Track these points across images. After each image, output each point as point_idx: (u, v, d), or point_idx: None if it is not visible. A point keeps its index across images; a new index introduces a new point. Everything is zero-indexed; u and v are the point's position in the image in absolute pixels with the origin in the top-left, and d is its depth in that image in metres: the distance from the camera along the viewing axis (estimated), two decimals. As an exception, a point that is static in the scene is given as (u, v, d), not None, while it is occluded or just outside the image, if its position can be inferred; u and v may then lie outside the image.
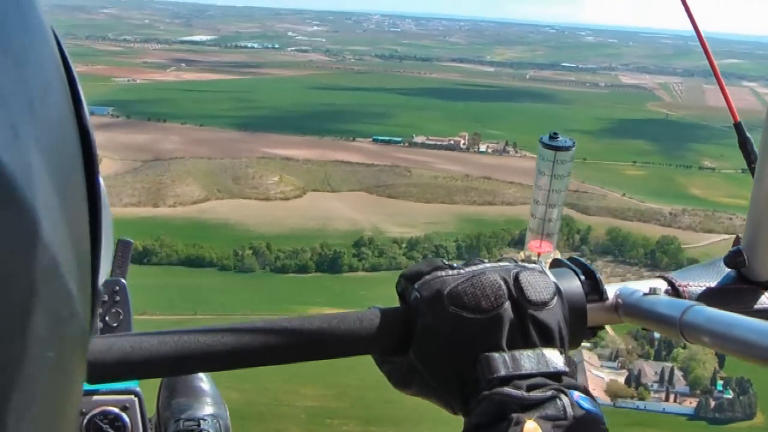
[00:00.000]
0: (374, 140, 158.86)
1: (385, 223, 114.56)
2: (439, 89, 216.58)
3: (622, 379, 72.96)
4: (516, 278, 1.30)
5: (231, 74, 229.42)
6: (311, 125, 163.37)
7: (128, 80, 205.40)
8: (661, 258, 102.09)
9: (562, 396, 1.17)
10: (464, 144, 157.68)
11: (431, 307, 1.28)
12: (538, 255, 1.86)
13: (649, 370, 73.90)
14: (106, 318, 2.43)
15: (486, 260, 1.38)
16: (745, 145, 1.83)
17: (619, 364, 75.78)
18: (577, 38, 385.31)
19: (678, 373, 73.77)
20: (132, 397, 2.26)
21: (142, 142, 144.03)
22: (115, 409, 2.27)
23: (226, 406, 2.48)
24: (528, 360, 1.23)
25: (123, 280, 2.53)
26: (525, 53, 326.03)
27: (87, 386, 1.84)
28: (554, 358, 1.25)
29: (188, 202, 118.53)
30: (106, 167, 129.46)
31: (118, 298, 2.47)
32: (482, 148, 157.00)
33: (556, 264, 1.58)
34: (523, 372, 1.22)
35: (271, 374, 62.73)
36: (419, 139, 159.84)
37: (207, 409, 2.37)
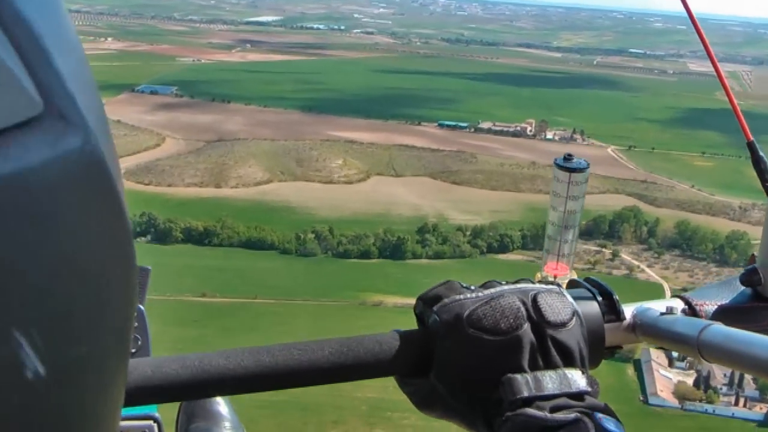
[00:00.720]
0: (440, 125, 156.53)
1: (449, 209, 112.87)
2: (505, 75, 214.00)
3: (690, 381, 70.34)
4: (534, 300, 1.32)
5: (296, 55, 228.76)
6: (376, 108, 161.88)
7: (193, 60, 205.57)
8: (730, 254, 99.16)
9: (586, 418, 1.19)
10: (531, 131, 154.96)
11: (451, 330, 1.30)
12: (555, 277, 1.88)
13: (718, 372, 71.26)
14: None
15: (503, 282, 1.41)
16: (758, 163, 1.83)
17: (688, 365, 73.22)
18: (645, 24, 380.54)
19: (748, 377, 71.20)
20: (151, 422, 2.24)
21: (205, 123, 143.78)
22: None
23: (244, 429, 2.45)
24: (550, 381, 1.25)
25: (141, 307, 2.50)
26: (592, 39, 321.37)
27: None
28: (576, 378, 1.27)
29: (251, 184, 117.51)
30: (169, 147, 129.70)
31: (136, 324, 2.31)
32: (549, 135, 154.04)
33: (572, 285, 1.60)
34: (546, 393, 1.24)
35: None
36: (485, 125, 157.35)
37: None
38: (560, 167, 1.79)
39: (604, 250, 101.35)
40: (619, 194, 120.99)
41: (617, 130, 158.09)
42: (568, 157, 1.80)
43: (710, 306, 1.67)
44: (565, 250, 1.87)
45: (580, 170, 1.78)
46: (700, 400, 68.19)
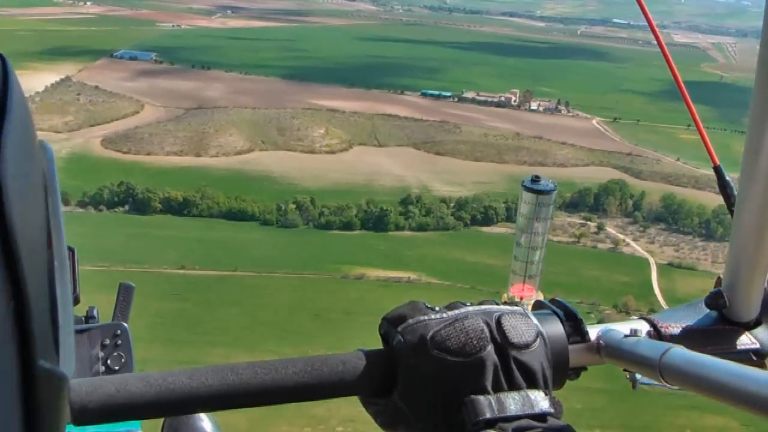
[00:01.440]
0: (423, 94, 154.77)
1: (432, 180, 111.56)
2: (489, 44, 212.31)
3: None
4: (498, 321, 1.33)
5: (277, 22, 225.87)
6: (359, 77, 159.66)
7: (173, 26, 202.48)
8: (716, 228, 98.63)
9: None
10: (515, 101, 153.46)
11: (415, 351, 1.31)
12: (521, 299, 1.91)
13: (708, 347, 70.53)
14: (108, 362, 2.51)
15: (468, 303, 1.41)
16: (725, 188, 1.91)
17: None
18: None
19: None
20: None
21: (185, 90, 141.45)
22: None
23: None
24: (513, 402, 1.26)
25: (125, 324, 2.61)
26: (576, 8, 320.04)
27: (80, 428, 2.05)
28: (540, 399, 1.28)
29: (231, 153, 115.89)
30: (148, 114, 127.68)
31: (119, 341, 2.55)
32: (533, 106, 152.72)
33: (538, 306, 1.59)
34: (509, 414, 1.24)
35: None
36: (469, 94, 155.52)
37: None
38: (527, 189, 1.80)
39: (589, 223, 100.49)
40: (604, 167, 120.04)
41: (602, 101, 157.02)
42: (535, 179, 1.81)
43: (675, 328, 1.69)
44: (532, 271, 1.87)
45: (547, 192, 1.80)
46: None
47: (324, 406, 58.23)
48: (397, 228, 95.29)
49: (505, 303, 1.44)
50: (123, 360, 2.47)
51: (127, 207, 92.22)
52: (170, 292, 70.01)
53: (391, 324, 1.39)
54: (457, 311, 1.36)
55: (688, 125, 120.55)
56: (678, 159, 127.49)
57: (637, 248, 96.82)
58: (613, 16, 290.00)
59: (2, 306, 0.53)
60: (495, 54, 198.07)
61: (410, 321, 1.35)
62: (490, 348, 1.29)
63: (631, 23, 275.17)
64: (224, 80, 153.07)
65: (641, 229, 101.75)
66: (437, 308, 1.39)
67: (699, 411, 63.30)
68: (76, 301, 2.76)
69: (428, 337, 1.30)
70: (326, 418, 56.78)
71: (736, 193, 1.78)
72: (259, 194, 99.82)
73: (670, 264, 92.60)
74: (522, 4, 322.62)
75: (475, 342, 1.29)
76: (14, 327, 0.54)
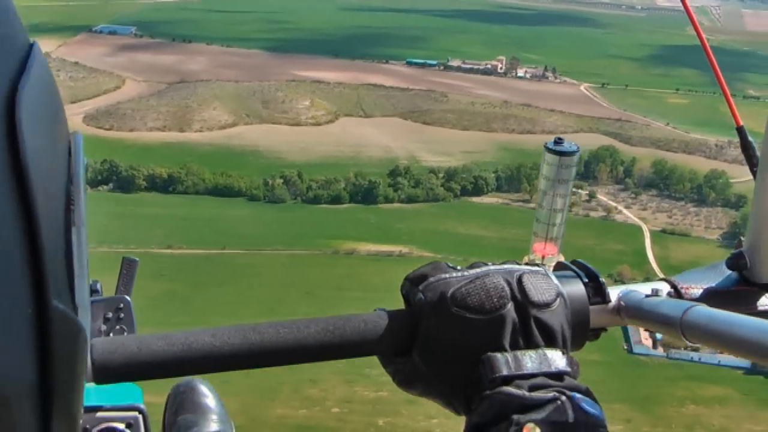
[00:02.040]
0: (408, 63, 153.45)
1: (421, 151, 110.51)
2: (473, 11, 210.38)
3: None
4: (519, 280, 1.35)
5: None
6: (343, 47, 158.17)
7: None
8: (708, 193, 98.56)
9: (564, 398, 1.21)
10: (502, 68, 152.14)
11: (435, 308, 1.32)
12: (542, 258, 1.91)
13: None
14: (111, 335, 2.51)
15: (490, 263, 1.43)
16: (747, 149, 1.87)
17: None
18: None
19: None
20: (136, 413, 2.27)
21: (166, 64, 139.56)
22: (120, 426, 2.27)
23: (232, 423, 2.41)
24: (530, 360, 1.28)
25: (128, 298, 2.64)
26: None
27: (91, 402, 2.16)
28: (556, 358, 1.30)
29: (215, 127, 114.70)
30: (129, 89, 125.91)
31: (122, 315, 2.57)
32: (520, 73, 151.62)
33: (560, 267, 1.62)
34: (525, 372, 1.26)
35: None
36: (455, 62, 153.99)
37: (213, 426, 2.32)
38: (550, 150, 1.81)
39: (580, 191, 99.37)
40: (594, 133, 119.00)
41: (589, 67, 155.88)
42: (558, 141, 1.81)
43: (696, 289, 1.70)
44: (554, 233, 1.89)
45: (570, 154, 1.81)
46: (686, 348, 66.31)
47: (319, 386, 57.26)
48: (387, 200, 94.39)
49: (526, 264, 1.47)
50: (126, 333, 2.46)
51: (111, 185, 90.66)
52: (158, 272, 68.48)
53: (412, 283, 1.40)
54: (478, 270, 1.39)
55: (677, 89, 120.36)
56: (668, 124, 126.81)
57: (630, 215, 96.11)
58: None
59: (16, 240, 0.53)
60: (479, 21, 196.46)
61: (431, 279, 1.36)
62: (510, 306, 1.31)
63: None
64: (206, 53, 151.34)
65: (633, 195, 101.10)
66: (459, 267, 1.41)
67: (698, 381, 62.70)
68: None
69: (449, 294, 1.32)
70: (322, 400, 55.76)
71: (758, 154, 1.77)
72: (245, 169, 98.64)
73: (663, 231, 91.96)
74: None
75: (495, 300, 1.31)
76: (28, 264, 0.54)
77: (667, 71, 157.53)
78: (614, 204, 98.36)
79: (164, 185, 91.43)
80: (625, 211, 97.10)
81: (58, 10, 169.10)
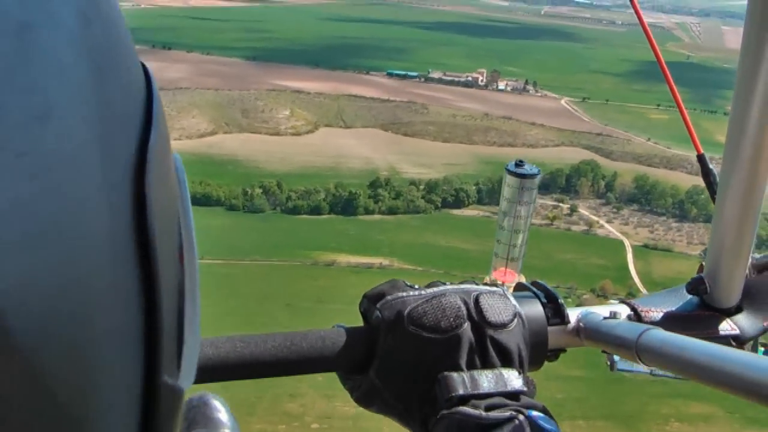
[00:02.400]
0: (389, 74, 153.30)
1: (401, 162, 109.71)
2: (454, 24, 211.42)
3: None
4: (476, 300, 1.35)
5: (240, 1, 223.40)
6: (323, 57, 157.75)
7: (133, 4, 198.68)
8: (689, 209, 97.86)
9: (521, 417, 1.21)
10: (482, 81, 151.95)
11: (392, 326, 1.33)
12: (502, 283, 1.93)
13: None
14: None
15: (448, 283, 1.43)
16: (708, 176, 1.89)
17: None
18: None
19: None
20: None
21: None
22: None
23: None
24: (486, 380, 1.28)
25: None
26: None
27: None
28: (513, 378, 1.30)
29: (195, 136, 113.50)
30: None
31: None
32: (501, 85, 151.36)
33: (519, 288, 1.62)
34: (482, 391, 1.27)
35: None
36: (436, 74, 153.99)
37: None
38: (511, 173, 1.84)
39: (561, 204, 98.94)
40: (574, 147, 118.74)
41: (570, 81, 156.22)
42: (519, 164, 1.84)
43: (656, 313, 1.71)
44: (515, 254, 1.92)
45: (531, 176, 1.83)
46: (659, 366, 65.64)
47: (298, 401, 56.15)
48: (367, 212, 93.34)
49: (486, 284, 1.47)
50: None
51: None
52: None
53: (370, 301, 1.40)
54: (435, 289, 1.38)
55: (658, 105, 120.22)
56: (649, 139, 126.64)
57: (612, 230, 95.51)
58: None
59: (135, 319, 0.52)
60: (460, 34, 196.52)
61: (389, 297, 1.37)
62: (467, 326, 1.31)
63: (594, 3, 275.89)
64: (186, 61, 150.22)
65: (614, 210, 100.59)
66: (416, 286, 1.42)
67: (683, 398, 61.91)
68: None
69: (405, 313, 1.32)
70: (300, 415, 54.67)
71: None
72: (225, 178, 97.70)
73: (645, 246, 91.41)
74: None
75: (452, 319, 1.31)
76: (144, 340, 0.54)
77: (648, 87, 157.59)
78: (596, 218, 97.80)
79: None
80: (606, 225, 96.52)
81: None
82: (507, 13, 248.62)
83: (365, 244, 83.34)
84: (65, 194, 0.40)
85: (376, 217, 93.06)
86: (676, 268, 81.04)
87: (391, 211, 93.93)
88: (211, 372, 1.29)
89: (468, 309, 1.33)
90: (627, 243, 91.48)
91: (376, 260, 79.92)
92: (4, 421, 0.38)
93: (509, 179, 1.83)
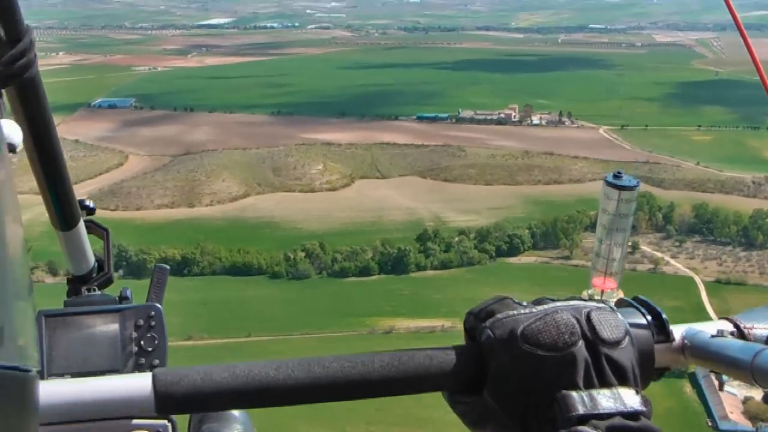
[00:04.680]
0: (419, 118, 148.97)
1: (445, 210, 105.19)
2: (476, 61, 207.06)
3: (758, 395, 61.35)
4: (588, 317, 1.34)
5: (254, 56, 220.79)
6: (349, 107, 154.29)
7: (149, 68, 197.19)
8: (756, 235, 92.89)
9: None
10: (515, 117, 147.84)
11: (506, 346, 1.32)
12: (602, 292, 1.91)
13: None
14: (142, 342, 2.56)
15: (555, 299, 1.42)
16: None
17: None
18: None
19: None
20: (165, 422, 2.30)
21: (169, 135, 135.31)
22: None
23: None
24: (605, 399, 1.26)
25: (159, 306, 2.68)
26: (550, 17, 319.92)
27: None
28: (631, 397, 1.28)
29: (226, 200, 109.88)
30: (133, 165, 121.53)
31: (153, 323, 2.61)
32: (535, 120, 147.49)
33: (621, 304, 1.60)
34: (602, 411, 1.25)
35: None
36: (466, 114, 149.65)
37: None
38: (610, 185, 1.81)
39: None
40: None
41: (604, 109, 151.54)
42: (617, 175, 1.82)
43: (760, 330, 1.61)
44: (613, 268, 1.89)
45: (630, 188, 1.80)
46: (776, 415, 59.54)
47: None
48: (419, 268, 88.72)
49: (589, 299, 1.47)
50: (156, 342, 2.51)
51: (121, 272, 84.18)
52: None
53: (478, 319, 1.40)
54: (546, 306, 1.38)
55: (699, 126, 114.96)
56: (698, 163, 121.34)
57: (679, 266, 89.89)
58: (589, 22, 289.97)
59: None
60: (483, 71, 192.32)
61: (499, 316, 1.36)
62: (581, 343, 1.30)
63: (609, 27, 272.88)
64: (209, 122, 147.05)
65: (677, 243, 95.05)
66: (525, 303, 1.41)
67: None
68: (109, 281, 3.04)
69: (519, 331, 1.32)
70: None
71: None
72: (263, 243, 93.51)
73: (717, 281, 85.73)
74: (495, 17, 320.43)
75: (567, 337, 1.30)
76: None
77: (685, 109, 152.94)
78: (660, 254, 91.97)
79: (178, 268, 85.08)
80: (672, 261, 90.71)
81: (55, 86, 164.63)
82: (525, 45, 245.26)
83: (422, 305, 78.47)
84: None
85: (429, 273, 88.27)
86: (754, 303, 74.86)
87: (444, 266, 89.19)
88: (319, 391, 1.30)
89: (581, 326, 1.32)
90: (698, 279, 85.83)
91: (437, 323, 74.98)
92: None
93: (607, 191, 1.78)
